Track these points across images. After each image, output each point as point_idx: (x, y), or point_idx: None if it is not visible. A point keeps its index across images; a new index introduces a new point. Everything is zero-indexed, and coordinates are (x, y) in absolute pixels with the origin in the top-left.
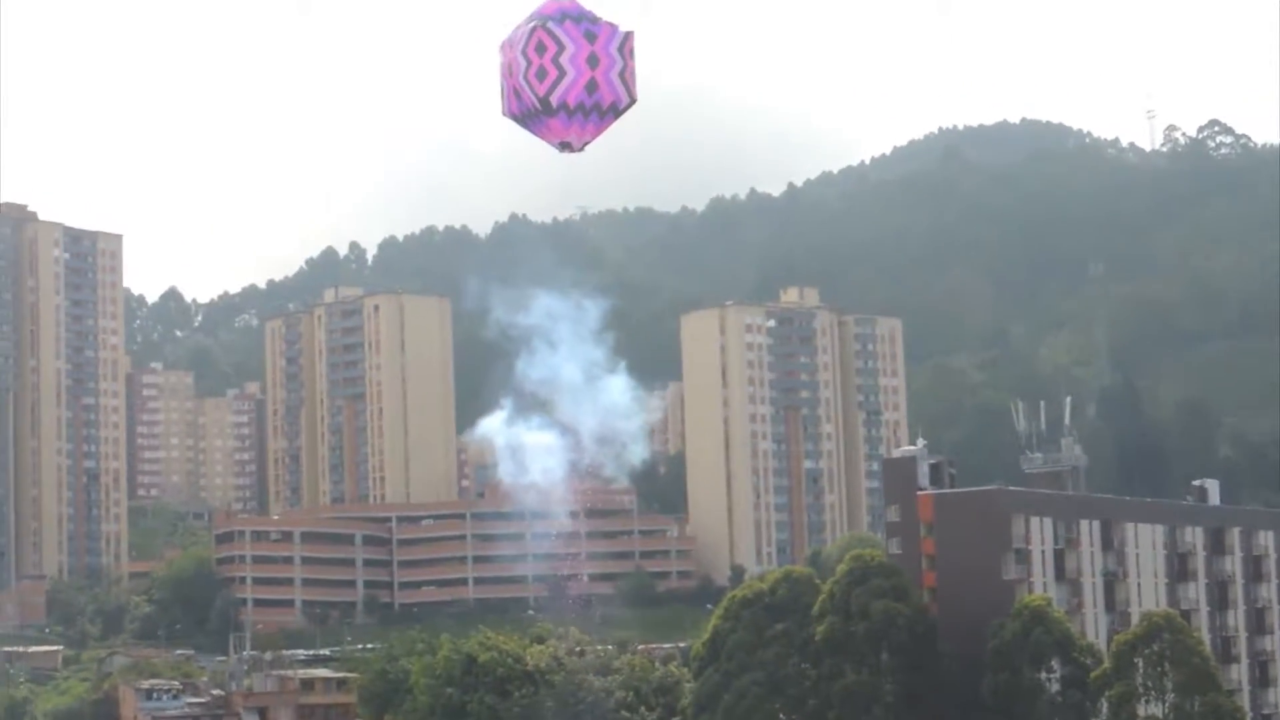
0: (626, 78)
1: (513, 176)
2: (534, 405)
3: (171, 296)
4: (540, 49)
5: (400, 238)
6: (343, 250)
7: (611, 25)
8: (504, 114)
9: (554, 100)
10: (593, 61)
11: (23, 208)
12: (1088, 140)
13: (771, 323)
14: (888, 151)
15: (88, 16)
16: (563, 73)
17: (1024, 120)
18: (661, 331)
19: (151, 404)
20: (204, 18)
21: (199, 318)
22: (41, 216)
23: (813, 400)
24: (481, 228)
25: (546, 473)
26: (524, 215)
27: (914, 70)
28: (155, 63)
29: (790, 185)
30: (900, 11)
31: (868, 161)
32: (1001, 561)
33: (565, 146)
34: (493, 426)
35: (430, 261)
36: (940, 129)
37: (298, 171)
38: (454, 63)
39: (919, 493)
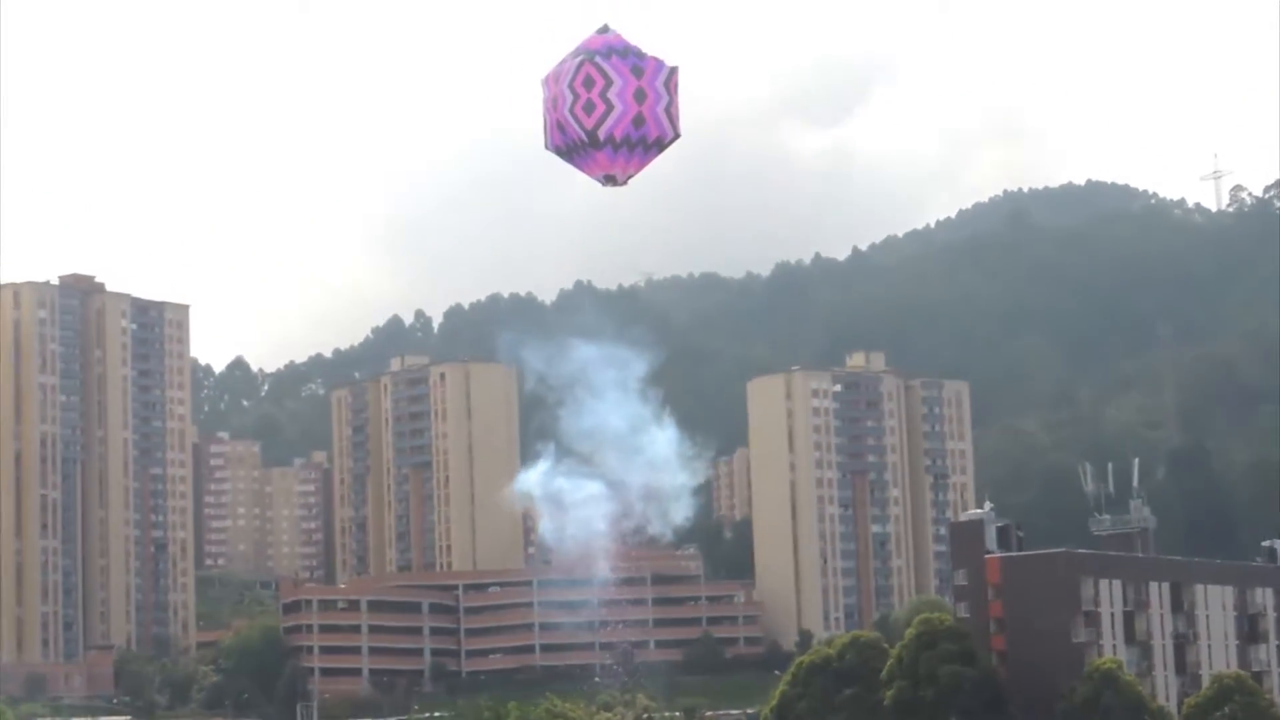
0: (672, 113)
1: (578, 244)
2: (583, 463)
3: (238, 366)
4: (588, 83)
5: (466, 305)
6: (408, 319)
7: (657, 60)
8: (547, 147)
9: (601, 134)
10: (640, 96)
11: (90, 279)
12: (1153, 201)
13: (838, 387)
14: (953, 215)
15: (154, 93)
16: (610, 107)
17: (1090, 182)
18: (728, 397)
19: (218, 474)
20: (269, 91)
21: (265, 387)
22: (109, 288)
23: (880, 464)
24: (547, 295)
25: (589, 526)
26: (589, 282)
27: (979, 133)
28: (223, 137)
29: (855, 249)
30: (965, 75)
31: (933, 225)
32: (1071, 624)
33: (609, 180)
34: (535, 481)
35: (496, 329)
36: (1006, 191)
37: (363, 241)
38: (518, 132)
39: (987, 556)
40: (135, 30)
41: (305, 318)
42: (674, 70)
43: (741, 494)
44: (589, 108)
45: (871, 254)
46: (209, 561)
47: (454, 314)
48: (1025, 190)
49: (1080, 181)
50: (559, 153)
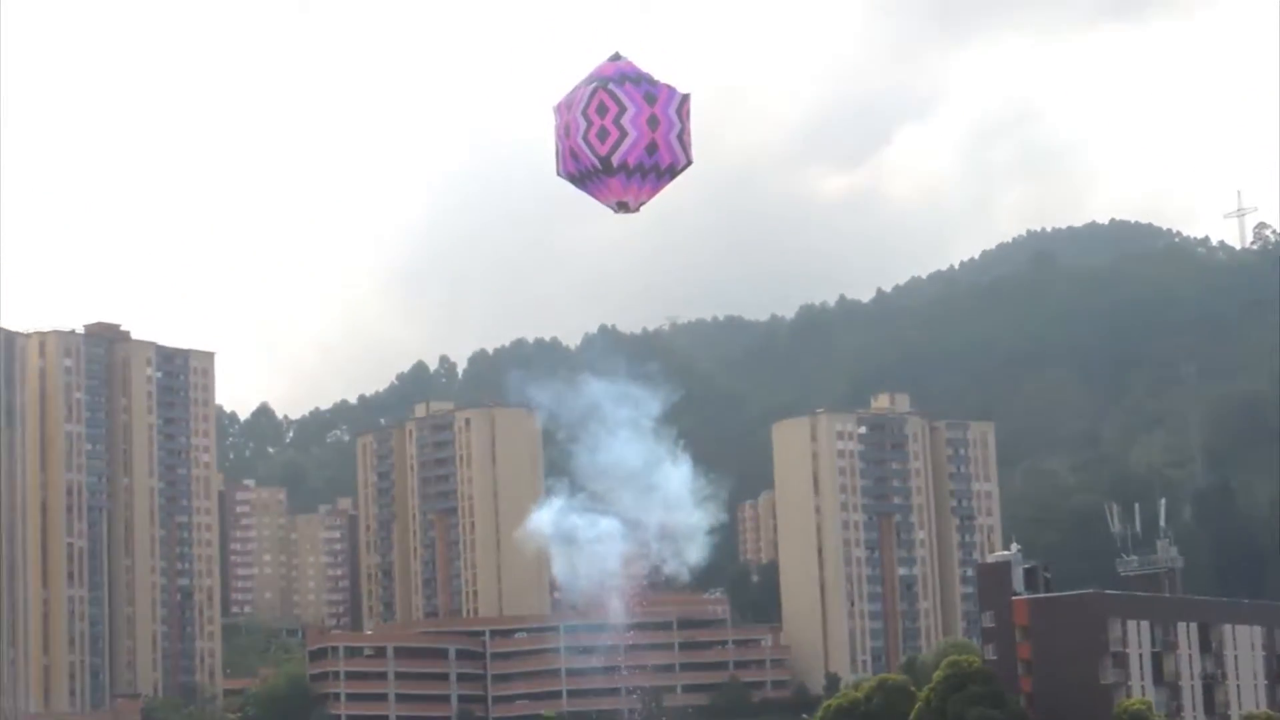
0: (684, 140)
1: (601, 288)
2: (599, 503)
3: (263, 413)
4: (602, 110)
5: (490, 351)
6: (433, 364)
7: (669, 87)
8: (558, 174)
9: (615, 161)
10: (653, 123)
11: (115, 327)
12: (1177, 240)
13: (863, 429)
14: (977, 255)
15: (173, 143)
16: (624, 134)
17: (1113, 221)
18: (753, 440)
19: (244, 520)
20: (292, 139)
21: (290, 434)
22: (134, 336)
23: (905, 506)
24: (571, 339)
25: (604, 567)
26: (613, 326)
27: (1002, 173)
28: (244, 184)
29: (880, 291)
30: (989, 115)
31: (957, 266)
32: (1099, 665)
33: (622, 207)
34: (548, 521)
35: (520, 374)
36: (1029, 231)
37: (386, 287)
38: (541, 176)
39: (1014, 598)
40: (161, 78)
41: (329, 364)
42: (686, 97)
43: (767, 537)
44: (602, 134)
45: (896, 295)
46: (235, 609)
47: (478, 359)
48: (1049, 230)
49: (1104, 220)
50: (571, 179)
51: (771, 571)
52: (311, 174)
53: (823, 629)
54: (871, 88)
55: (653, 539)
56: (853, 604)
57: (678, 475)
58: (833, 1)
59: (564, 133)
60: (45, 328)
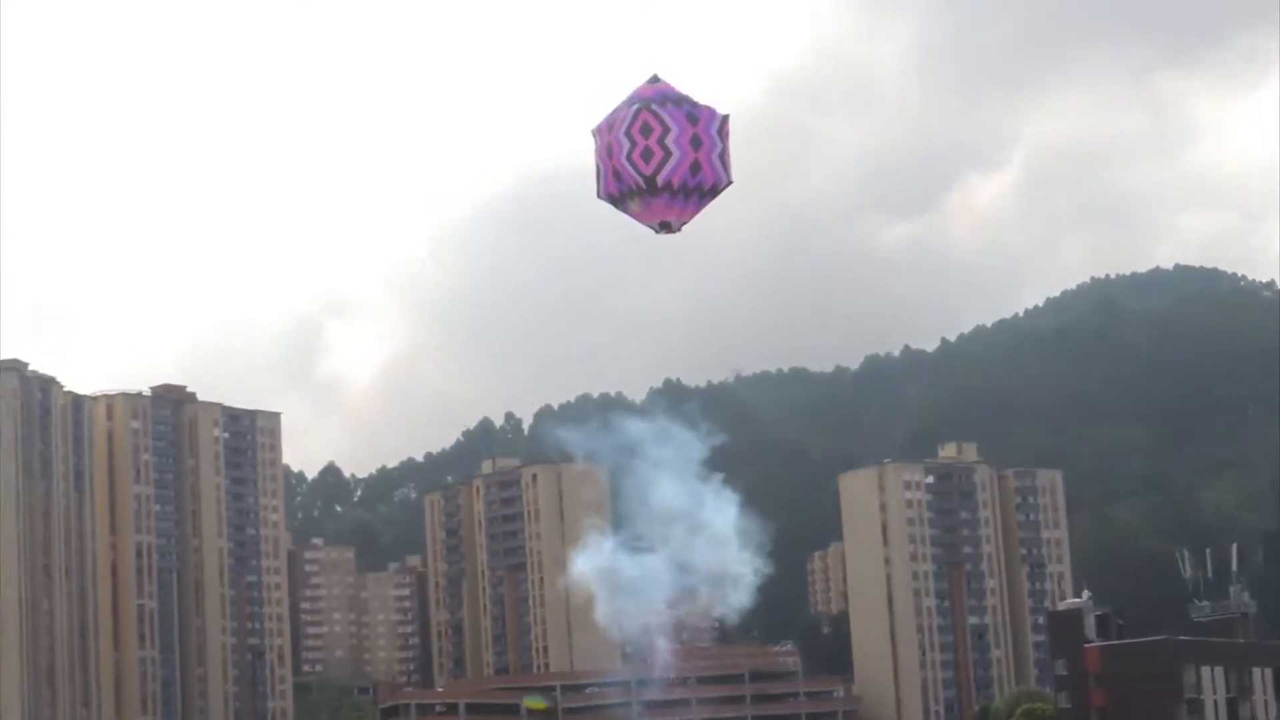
0: (725, 160)
1: (666, 341)
2: (652, 551)
3: (330, 472)
4: (645, 130)
5: (555, 406)
6: (498, 421)
7: (710, 108)
8: (600, 195)
9: (660, 180)
10: (695, 143)
11: (181, 389)
12: (1242, 283)
13: (930, 479)
14: (1041, 303)
15: (228, 211)
16: (668, 154)
17: (1177, 266)
18: (821, 492)
19: (314, 579)
20: (350, 200)
21: (358, 493)
22: (200, 397)
23: (975, 555)
24: (636, 393)
25: (649, 609)
26: (678, 379)
27: (1065, 221)
28: (300, 247)
29: (944, 340)
30: (1051, 162)
31: (1022, 314)
32: (1174, 713)
33: (665, 227)
34: (592, 566)
35: (585, 428)
36: (1093, 278)
37: (450, 343)
38: (605, 231)
39: (1086, 645)
40: (219, 143)
41: (395, 423)
42: (725, 118)
43: (837, 588)
44: (647, 155)
45: (961, 344)
46: (306, 668)
47: (544, 415)
48: (1113, 276)
49: (1168, 265)
50: (612, 201)
51: (842, 623)
52: (373, 231)
53: (895, 680)
54: (933, 136)
55: (703, 584)
56: (924, 654)
57: (730, 522)
58: (893, 50)
59: (606, 154)
60: (112, 390)
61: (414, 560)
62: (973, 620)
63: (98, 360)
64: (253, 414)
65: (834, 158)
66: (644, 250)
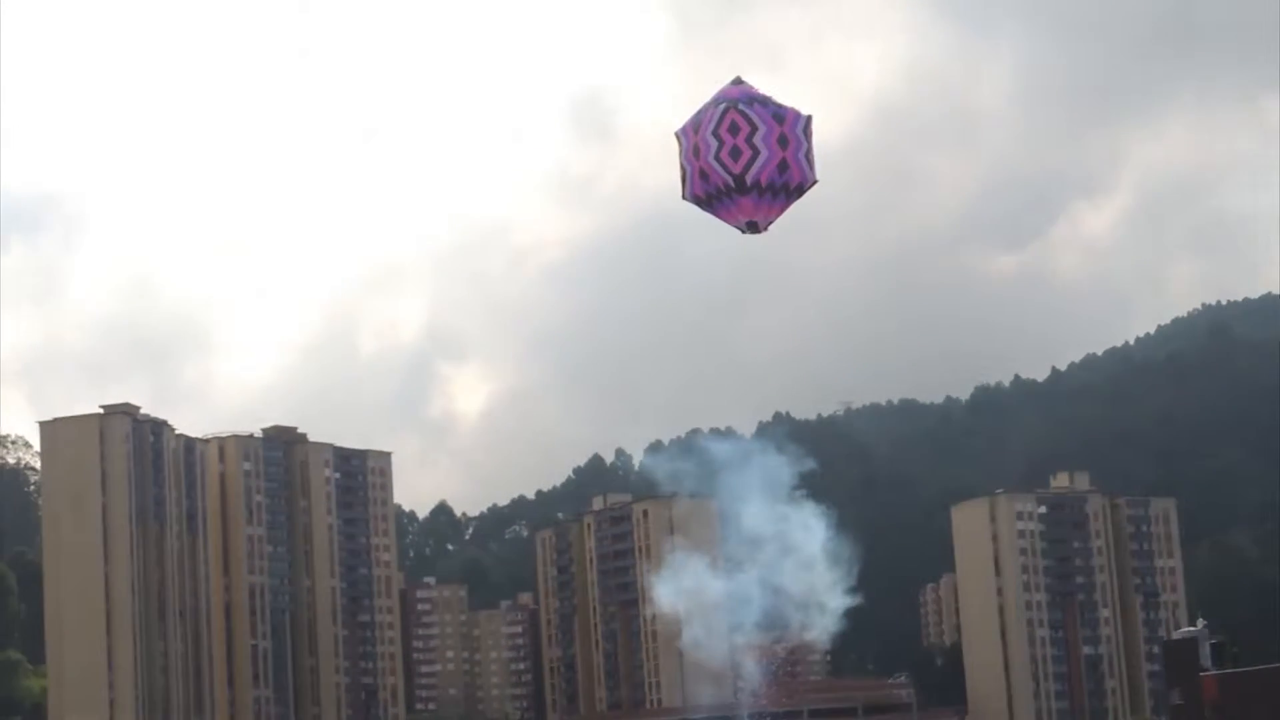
0: (810, 159)
1: (775, 375)
2: (745, 575)
3: (441, 511)
4: (734, 129)
5: (665, 441)
6: (608, 457)
7: (794, 109)
8: (685, 197)
9: (749, 179)
10: (783, 142)
11: (292, 430)
12: None
13: (1043, 509)
14: (1151, 330)
15: (334, 248)
16: (756, 152)
17: None
18: (933, 523)
19: (426, 618)
20: (455, 243)
21: (470, 531)
22: (311, 438)
23: (1088, 585)
24: (746, 427)
25: (733, 635)
26: (787, 413)
27: (1176, 248)
28: (412, 288)
29: (1054, 369)
30: (1152, 188)
31: (1132, 342)
32: None
33: (752, 227)
34: (678, 592)
35: (696, 464)
36: (1204, 305)
37: (559, 381)
38: (712, 266)
39: (1202, 674)
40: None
41: (506, 461)
42: (809, 119)
43: (950, 620)
44: (735, 153)
45: (1071, 373)
46: (420, 706)
47: (654, 450)
48: (1224, 303)
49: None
50: (698, 202)
51: (956, 654)
52: (483, 270)
53: (1009, 712)
54: (1038, 164)
55: (810, 615)
56: (1038, 685)
57: (835, 553)
58: (995, 78)
59: (693, 154)
60: (224, 433)
61: (525, 597)
62: (1086, 650)
63: (211, 405)
64: (364, 454)
65: (938, 188)
66: (753, 284)
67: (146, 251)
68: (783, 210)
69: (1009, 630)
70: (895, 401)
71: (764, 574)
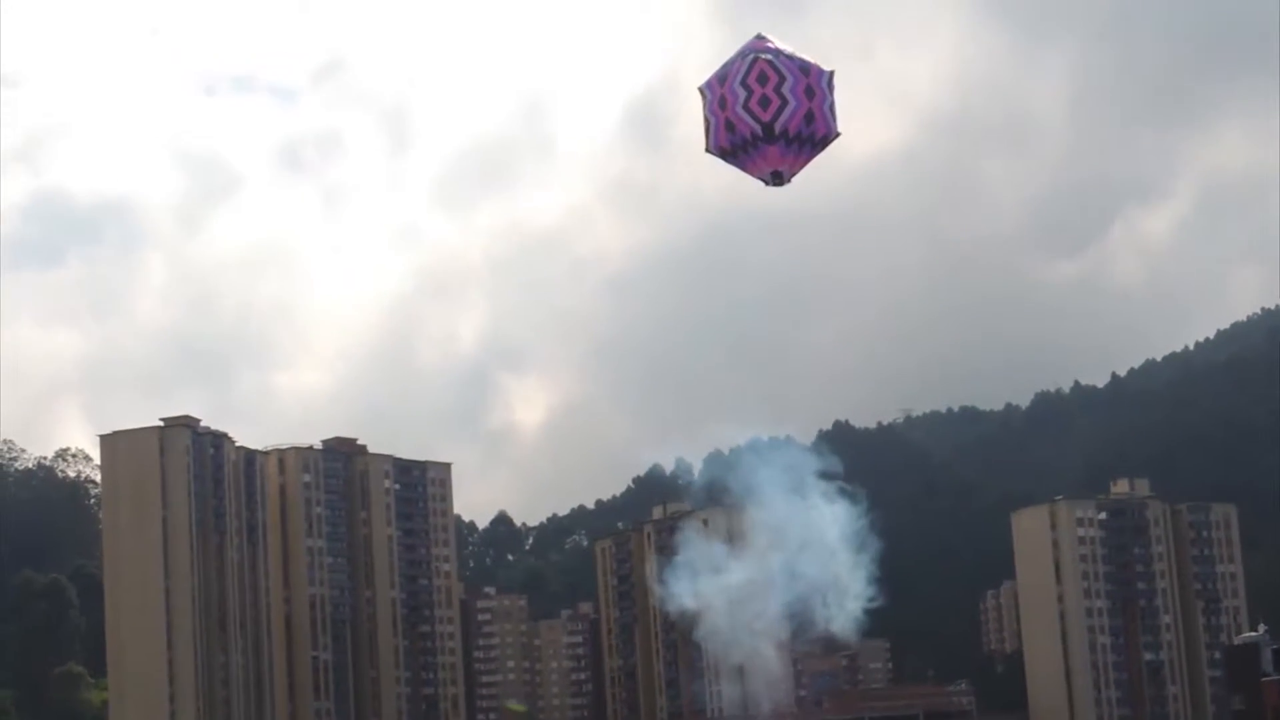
0: (833, 112)
1: (834, 383)
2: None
3: (501, 521)
4: (762, 79)
5: (726, 451)
6: (669, 467)
7: (816, 64)
8: (709, 149)
9: (777, 128)
10: (809, 93)
11: (352, 441)
12: None
13: (1103, 515)
14: (1211, 335)
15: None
16: (785, 102)
17: None
18: (993, 529)
19: (486, 628)
20: (512, 243)
21: (530, 541)
22: (371, 449)
23: (1149, 591)
24: (806, 436)
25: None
26: (847, 421)
27: (1235, 251)
28: (473, 299)
29: (1114, 375)
30: (1209, 192)
31: (1192, 346)
32: None
33: (776, 177)
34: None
35: (757, 473)
36: (1264, 309)
37: (621, 394)
38: (769, 271)
39: (1264, 679)
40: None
41: (566, 471)
42: (832, 73)
43: (1011, 627)
44: (764, 102)
45: (1131, 379)
46: (481, 716)
47: (714, 460)
48: None
49: None
50: (723, 154)
51: (1016, 661)
52: (542, 279)
53: (1070, 718)
54: (1094, 169)
55: (850, 618)
56: (1099, 691)
57: (884, 560)
58: (1050, 83)
59: (719, 106)
60: (284, 444)
61: (586, 607)
62: (1148, 657)
63: (270, 417)
64: (423, 465)
65: (995, 195)
66: (812, 293)
67: (204, 262)
68: (807, 162)
69: (1070, 637)
70: (955, 409)
71: (822, 582)
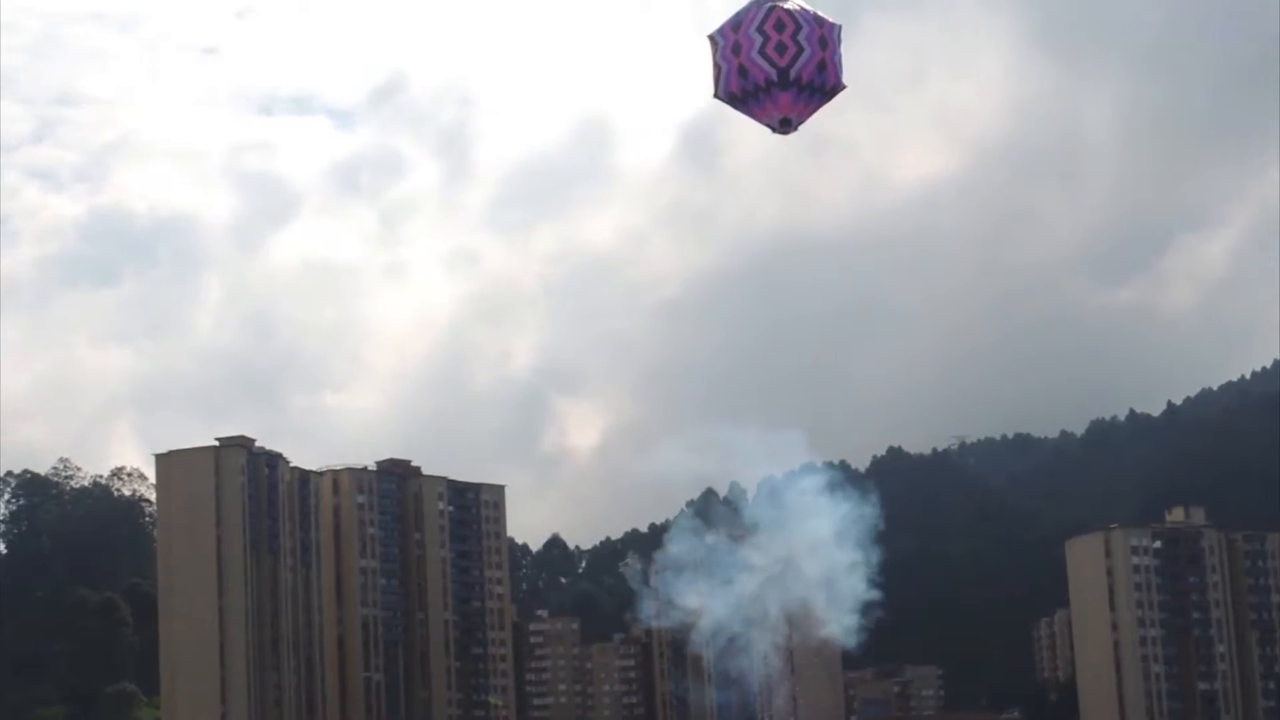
0: (841, 65)
1: (888, 410)
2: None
3: (555, 544)
4: (779, 26)
5: (779, 475)
6: (722, 491)
7: (829, 18)
8: (718, 95)
9: (792, 74)
10: (823, 43)
11: (406, 463)
12: None
13: (1158, 544)
14: (1268, 364)
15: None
16: (800, 49)
17: None
18: (1047, 557)
19: (538, 651)
20: (566, 264)
21: (583, 564)
22: (425, 471)
23: (1204, 621)
24: (860, 462)
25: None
26: (900, 447)
27: None
28: (527, 323)
29: (1170, 404)
30: (1262, 219)
31: (1248, 375)
32: None
33: (785, 124)
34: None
35: (810, 496)
36: None
37: (672, 415)
38: (823, 297)
39: None
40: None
41: (619, 494)
42: (840, 27)
43: (1064, 655)
44: (780, 49)
45: (1186, 408)
46: None
47: (766, 484)
48: None
49: None
50: (731, 100)
51: (1070, 690)
52: (596, 303)
53: None
54: (1146, 198)
55: (901, 643)
56: None
57: (926, 586)
58: (1099, 111)
59: (731, 52)
60: (338, 465)
61: (638, 631)
62: (1202, 686)
63: (318, 433)
64: (477, 487)
65: (1048, 222)
66: (866, 320)
67: (259, 282)
68: (815, 110)
69: (1124, 666)
70: (1009, 436)
71: (874, 607)
